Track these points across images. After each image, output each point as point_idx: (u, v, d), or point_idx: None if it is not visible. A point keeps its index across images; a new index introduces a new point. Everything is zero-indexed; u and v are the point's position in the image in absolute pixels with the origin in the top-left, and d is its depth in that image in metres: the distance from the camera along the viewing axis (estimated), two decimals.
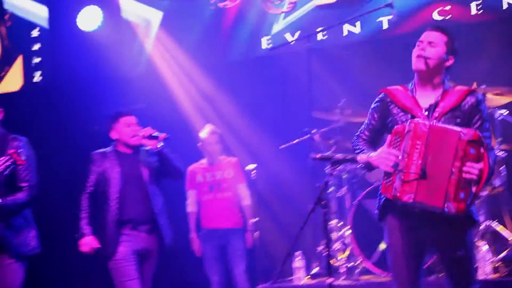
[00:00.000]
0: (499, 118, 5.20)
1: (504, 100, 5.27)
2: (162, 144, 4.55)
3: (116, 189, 4.58)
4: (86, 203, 4.60)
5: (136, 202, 4.56)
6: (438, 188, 3.15)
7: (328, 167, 3.61)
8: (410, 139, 3.17)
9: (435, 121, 3.26)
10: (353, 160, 3.44)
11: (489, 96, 5.15)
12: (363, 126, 3.54)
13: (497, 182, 5.14)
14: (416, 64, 3.28)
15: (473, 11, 5.83)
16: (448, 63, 3.33)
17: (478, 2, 5.91)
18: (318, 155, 3.79)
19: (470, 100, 3.26)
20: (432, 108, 3.31)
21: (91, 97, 6.82)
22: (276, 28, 6.76)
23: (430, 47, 3.32)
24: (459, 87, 3.37)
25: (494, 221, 5.04)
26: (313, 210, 3.34)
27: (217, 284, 5.52)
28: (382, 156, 3.21)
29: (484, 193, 5.02)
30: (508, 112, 5.22)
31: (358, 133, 3.54)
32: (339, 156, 3.57)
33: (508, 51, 5.68)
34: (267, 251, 5.99)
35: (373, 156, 3.29)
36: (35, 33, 7.40)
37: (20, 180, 4.34)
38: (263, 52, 6.76)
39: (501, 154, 5.13)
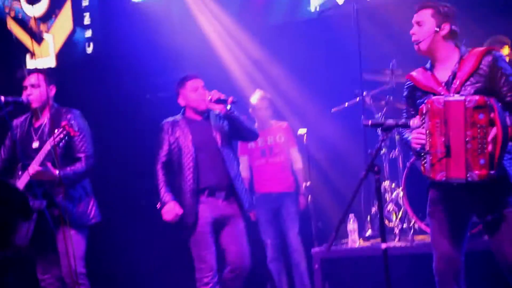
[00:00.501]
0: None
1: None
2: (230, 107, 4.51)
3: (190, 157, 4.57)
4: (161, 173, 4.61)
5: (212, 168, 4.57)
6: (459, 159, 3.24)
7: (380, 131, 3.56)
8: (429, 119, 3.26)
9: (453, 94, 3.31)
10: (406, 126, 3.47)
11: None
12: (404, 114, 3.66)
13: None
14: (415, 49, 3.45)
15: None
16: (445, 32, 3.36)
17: None
18: (370, 122, 3.71)
19: (487, 59, 3.28)
20: (450, 80, 3.35)
21: (141, 67, 6.94)
22: None
23: (418, 27, 3.43)
24: (475, 50, 3.39)
25: None
26: (366, 177, 3.33)
27: (272, 246, 5.65)
28: (413, 137, 3.35)
29: None
30: None
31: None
32: (391, 121, 3.52)
33: None
34: (321, 214, 6.00)
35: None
36: None
37: (77, 151, 4.45)
38: (310, 14, 6.64)
39: None
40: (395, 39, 6.03)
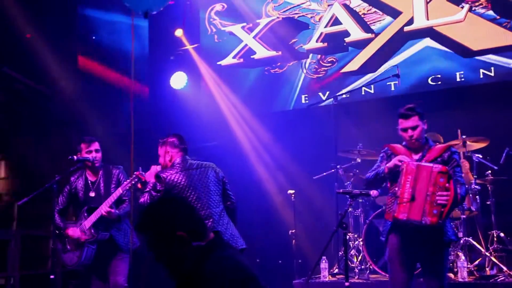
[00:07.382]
0: (476, 160, 5.90)
1: (479, 145, 6.01)
2: None
3: None
4: None
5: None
6: (419, 206, 3.67)
7: (348, 198, 4.07)
8: (403, 175, 3.79)
9: (424, 162, 3.82)
10: (367, 195, 4.09)
11: (468, 142, 5.86)
12: (375, 166, 4.12)
13: (473, 207, 5.72)
14: (413, 143, 3.95)
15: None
16: (425, 127, 3.93)
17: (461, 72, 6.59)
18: (341, 190, 4.31)
19: (447, 153, 3.92)
20: (420, 159, 3.92)
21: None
22: (312, 87, 7.34)
23: (413, 130, 3.91)
24: (438, 146, 4.03)
25: (470, 237, 5.69)
26: (336, 231, 3.96)
27: None
28: (388, 164, 3.89)
29: (463, 216, 5.60)
30: (481, 155, 5.97)
31: (373, 170, 4.10)
32: (356, 191, 4.09)
33: (483, 108, 6.51)
34: (302, 254, 6.55)
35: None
36: None
37: (123, 195, 5.00)
38: (301, 105, 7.36)
39: (476, 187, 5.75)
40: (362, 127, 6.84)
